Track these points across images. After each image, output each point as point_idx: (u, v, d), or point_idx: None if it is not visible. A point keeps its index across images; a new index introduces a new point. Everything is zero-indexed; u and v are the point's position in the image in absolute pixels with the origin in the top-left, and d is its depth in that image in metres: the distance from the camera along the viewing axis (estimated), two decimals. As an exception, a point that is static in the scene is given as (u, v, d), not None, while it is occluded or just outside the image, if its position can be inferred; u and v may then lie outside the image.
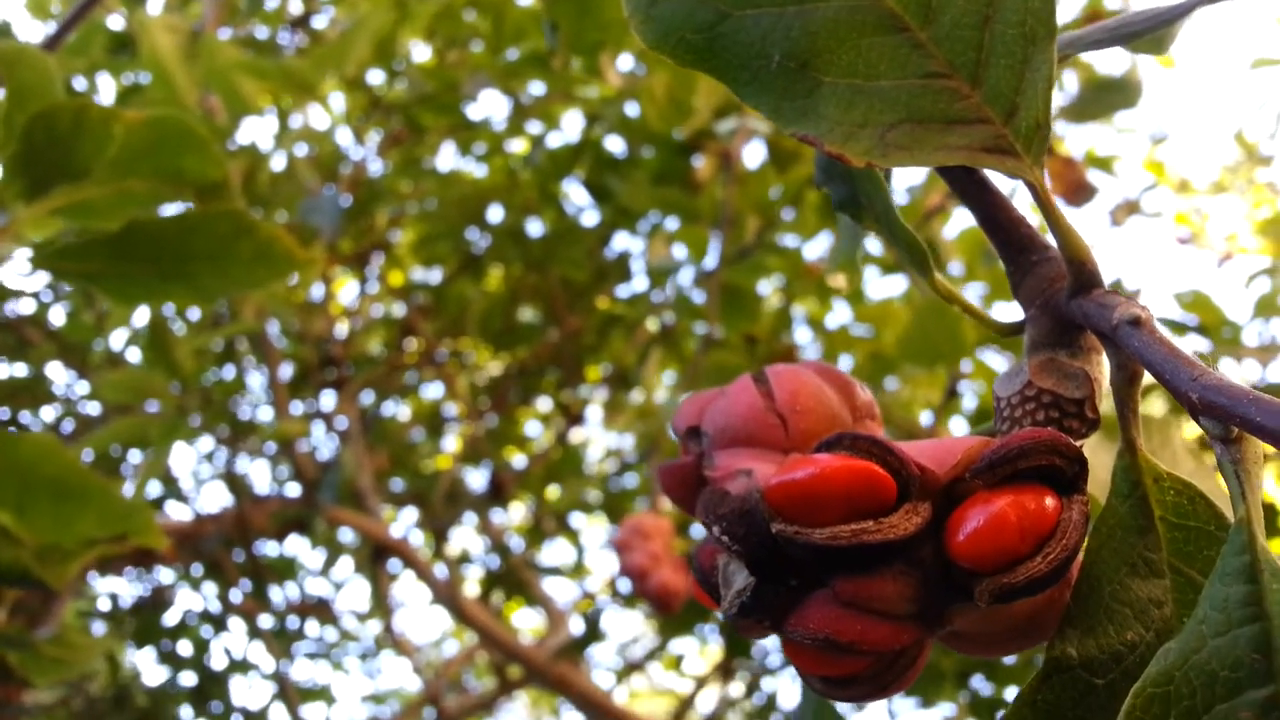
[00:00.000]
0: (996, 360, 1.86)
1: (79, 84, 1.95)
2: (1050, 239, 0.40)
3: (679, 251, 2.09)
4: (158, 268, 0.92)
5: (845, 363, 2.16)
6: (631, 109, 2.02)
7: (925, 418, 2.06)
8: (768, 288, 2.28)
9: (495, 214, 2.33)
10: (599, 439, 2.99)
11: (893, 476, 0.30)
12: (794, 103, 0.36)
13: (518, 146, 2.39)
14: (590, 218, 2.32)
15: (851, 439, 0.31)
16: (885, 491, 0.30)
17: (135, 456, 2.63)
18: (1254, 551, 0.29)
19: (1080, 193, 2.06)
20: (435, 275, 2.68)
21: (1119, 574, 0.34)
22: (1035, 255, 0.40)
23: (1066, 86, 1.95)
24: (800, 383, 0.35)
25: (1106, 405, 0.38)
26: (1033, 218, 0.43)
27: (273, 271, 0.97)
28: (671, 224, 2.07)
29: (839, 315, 2.31)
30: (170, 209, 1.00)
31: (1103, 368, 0.38)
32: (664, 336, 2.24)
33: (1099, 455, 0.46)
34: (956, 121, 0.36)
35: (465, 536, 3.25)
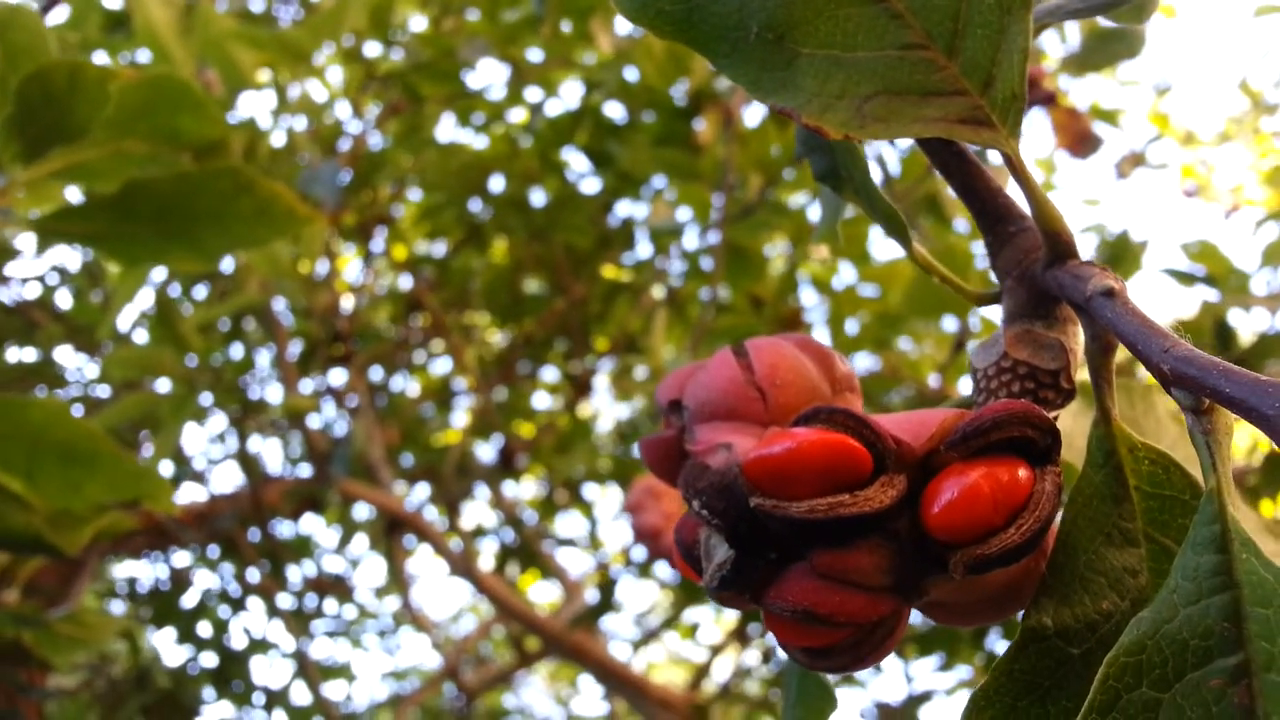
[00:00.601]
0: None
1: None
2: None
3: (682, 215, 2.08)
4: (160, 227, 0.92)
5: (852, 325, 2.15)
6: (631, 74, 2.01)
7: (934, 380, 2.05)
8: (773, 251, 2.27)
9: (497, 184, 2.32)
10: (609, 411, 2.99)
11: (868, 450, 0.31)
12: (772, 74, 0.36)
13: (518, 117, 2.38)
14: (592, 185, 2.31)
15: (828, 413, 0.31)
16: (861, 465, 0.30)
17: (149, 442, 2.64)
18: (1224, 521, 0.29)
19: (1085, 144, 2.05)
20: (439, 248, 2.68)
21: (1094, 543, 0.34)
22: (1012, 226, 0.40)
23: (1069, 39, 1.93)
24: (779, 356, 0.35)
25: (1084, 375, 0.38)
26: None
27: (274, 229, 0.97)
28: (674, 189, 2.06)
29: (845, 276, 2.30)
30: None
31: (1078, 338, 0.38)
32: (670, 301, 2.24)
33: (1080, 424, 0.46)
34: (933, 93, 0.36)
35: (479, 511, 3.26)
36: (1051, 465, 0.32)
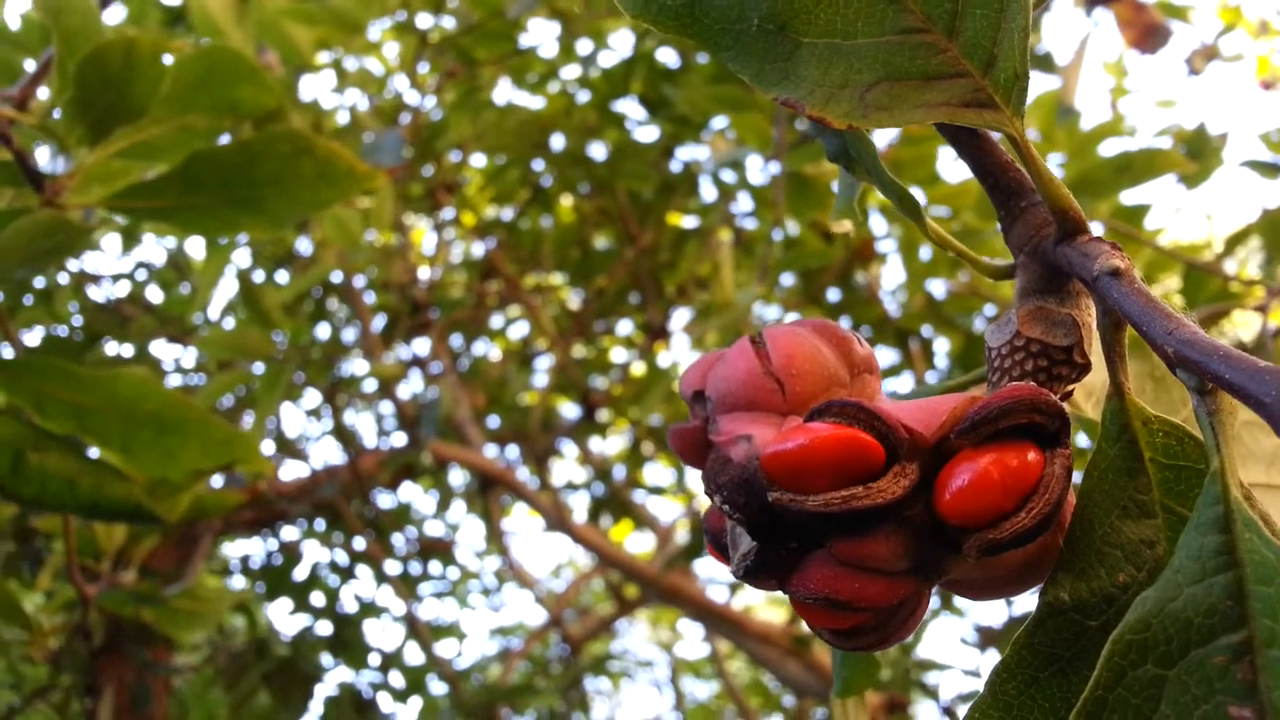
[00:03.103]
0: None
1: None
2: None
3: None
4: (226, 195, 0.94)
5: (925, 250, 2.11)
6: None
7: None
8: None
9: (557, 142, 2.33)
10: (687, 358, 3.00)
11: (880, 441, 0.32)
12: (775, 65, 0.36)
13: (572, 74, 2.38)
14: (650, 133, 2.30)
15: (840, 406, 0.32)
16: (873, 456, 0.31)
17: (248, 421, 2.73)
18: (1227, 502, 0.30)
19: (1153, 38, 1.96)
20: (507, 213, 2.70)
21: (1110, 517, 0.34)
22: (1024, 200, 0.40)
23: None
24: (796, 345, 0.35)
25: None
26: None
27: (336, 189, 0.99)
28: (733, 128, 2.04)
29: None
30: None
31: (1092, 311, 0.38)
32: (738, 241, 2.22)
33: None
34: (935, 77, 0.36)
35: (568, 468, 3.30)
36: (1061, 448, 0.32)
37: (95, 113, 0.88)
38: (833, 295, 2.26)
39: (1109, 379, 0.36)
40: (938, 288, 2.14)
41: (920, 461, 0.32)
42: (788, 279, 2.23)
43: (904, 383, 2.30)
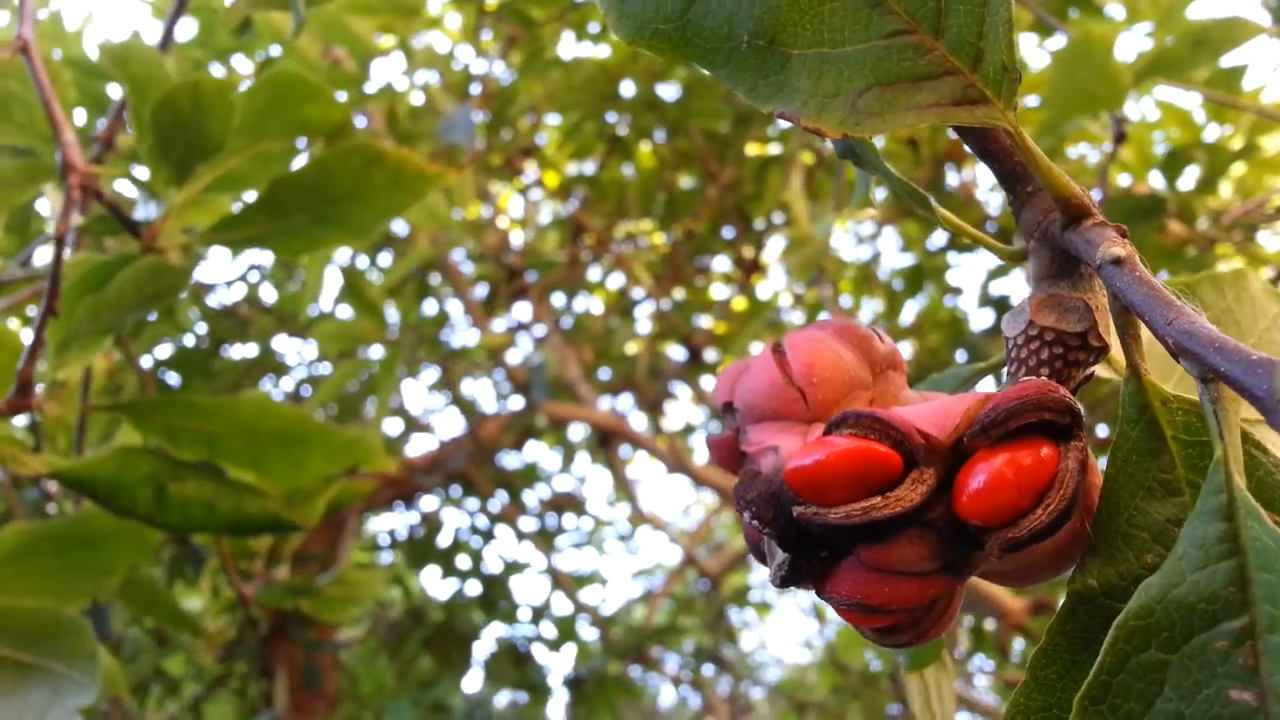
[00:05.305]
0: (1170, 93, 1.69)
1: (217, 72, 2.06)
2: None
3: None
4: (309, 214, 0.98)
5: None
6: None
7: (1096, 194, 1.93)
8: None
9: (627, 89, 2.31)
10: (787, 286, 2.97)
11: (896, 449, 0.32)
12: (768, 79, 0.36)
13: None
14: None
15: (855, 418, 0.33)
16: (889, 466, 0.32)
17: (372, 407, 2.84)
18: (1230, 490, 0.30)
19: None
20: (588, 168, 2.71)
21: (1135, 498, 0.35)
22: (1030, 185, 0.40)
23: None
24: (815, 353, 0.35)
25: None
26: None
27: (410, 193, 1.01)
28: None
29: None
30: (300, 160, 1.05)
31: (1105, 293, 0.38)
32: (821, 163, 2.17)
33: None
34: (924, 78, 0.36)
35: (684, 409, 3.33)
36: (1076, 441, 0.33)
37: (176, 154, 0.92)
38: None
39: (1125, 361, 0.36)
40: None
41: (938, 464, 0.32)
42: (880, 194, 2.18)
43: (1013, 283, 2.24)
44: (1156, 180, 1.83)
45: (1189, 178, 1.71)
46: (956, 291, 2.50)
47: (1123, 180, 1.87)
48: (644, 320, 2.96)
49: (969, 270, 2.74)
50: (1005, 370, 0.39)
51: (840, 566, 0.33)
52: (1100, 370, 0.39)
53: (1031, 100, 2.07)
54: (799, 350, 0.35)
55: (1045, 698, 0.34)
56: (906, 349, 2.57)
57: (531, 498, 3.31)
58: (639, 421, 3.01)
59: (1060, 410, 0.33)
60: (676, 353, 2.80)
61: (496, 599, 3.17)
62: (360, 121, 2.19)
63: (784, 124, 2.42)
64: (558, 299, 2.89)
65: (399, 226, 2.65)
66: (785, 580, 0.34)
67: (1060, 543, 0.33)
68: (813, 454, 0.32)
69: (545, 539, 3.33)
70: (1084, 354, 0.37)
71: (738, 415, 0.36)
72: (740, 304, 2.73)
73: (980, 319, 2.46)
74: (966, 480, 0.32)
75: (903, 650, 0.44)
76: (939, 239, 2.30)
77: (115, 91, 1.46)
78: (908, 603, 0.32)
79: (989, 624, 2.36)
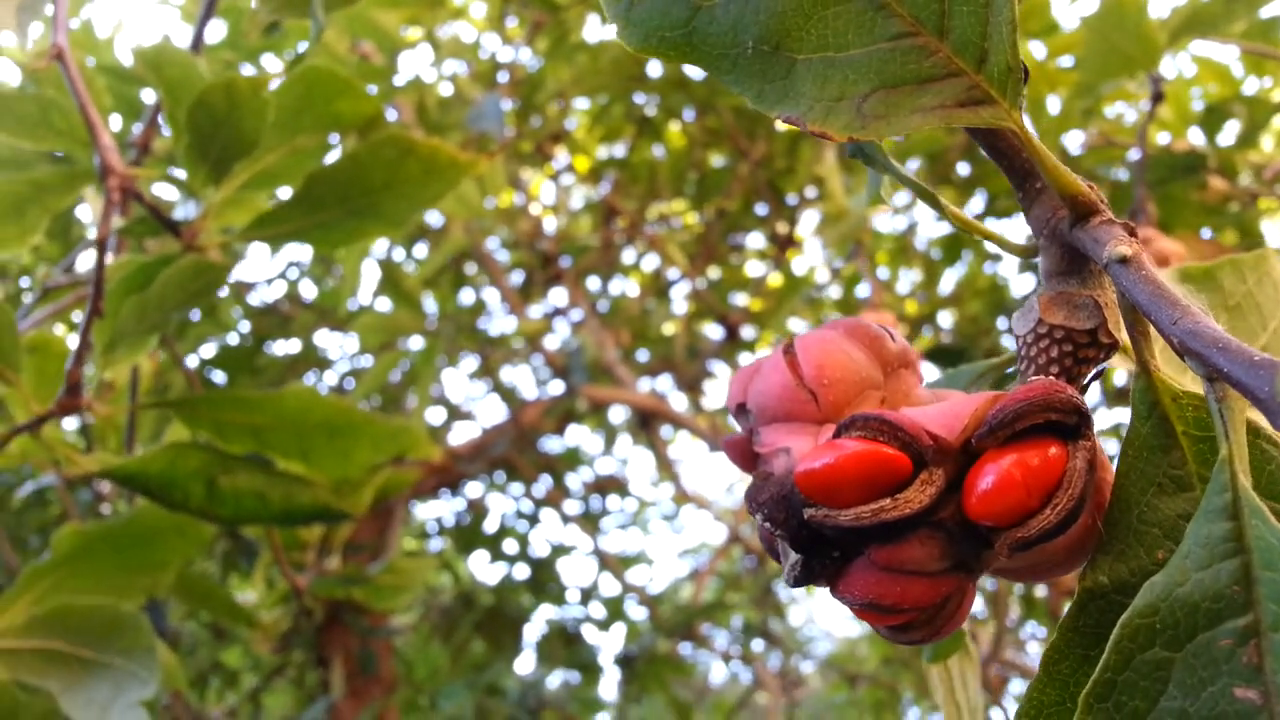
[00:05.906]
0: (1206, 47, 1.65)
1: (247, 72, 2.08)
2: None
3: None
4: (345, 208, 0.99)
5: (1053, 104, 2.00)
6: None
7: (1134, 153, 1.89)
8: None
9: (653, 69, 2.30)
10: (822, 261, 2.95)
11: (904, 451, 0.32)
12: (773, 84, 0.37)
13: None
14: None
15: (864, 420, 0.33)
16: (898, 468, 0.32)
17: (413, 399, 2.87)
18: (1235, 489, 0.30)
19: None
20: (619, 150, 2.70)
21: (1146, 495, 0.35)
22: (1039, 182, 0.40)
23: None
24: (825, 354, 0.36)
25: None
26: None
27: (443, 182, 1.02)
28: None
29: (1034, 51, 2.12)
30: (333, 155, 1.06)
31: (1115, 290, 0.38)
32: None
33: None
34: (928, 80, 0.36)
35: (723, 389, 3.32)
36: (1084, 440, 0.33)
37: (213, 153, 0.94)
38: (963, 169, 2.18)
39: (1134, 357, 0.36)
40: (1072, 142, 2.03)
41: (947, 465, 0.33)
42: (914, 164, 2.16)
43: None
44: (1196, 137, 1.79)
45: (1229, 133, 1.68)
46: (996, 258, 2.48)
47: (1161, 138, 1.83)
48: (680, 300, 2.95)
49: (1009, 235, 2.70)
50: (1017, 368, 0.39)
51: (852, 566, 0.33)
52: (1118, 362, 0.39)
53: (1065, 61, 2.04)
54: (810, 352, 0.36)
55: (1058, 693, 0.34)
56: (946, 318, 2.55)
57: (575, 481, 3.33)
58: (679, 402, 3.01)
59: (1067, 410, 0.33)
60: (714, 332, 2.80)
61: (545, 581, 3.20)
62: (390, 114, 2.20)
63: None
64: (593, 283, 2.89)
65: (433, 217, 2.67)
66: (798, 580, 0.34)
67: (1071, 539, 0.34)
68: (822, 457, 0.32)
69: (590, 521, 3.35)
70: (1093, 351, 0.37)
71: (750, 417, 0.36)
72: (776, 280, 2.71)
73: (1021, 285, 2.44)
74: (975, 481, 0.32)
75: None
76: (976, 204, 2.28)
77: (149, 96, 1.48)
78: (920, 601, 0.33)
79: (1040, 590, 2.34)
